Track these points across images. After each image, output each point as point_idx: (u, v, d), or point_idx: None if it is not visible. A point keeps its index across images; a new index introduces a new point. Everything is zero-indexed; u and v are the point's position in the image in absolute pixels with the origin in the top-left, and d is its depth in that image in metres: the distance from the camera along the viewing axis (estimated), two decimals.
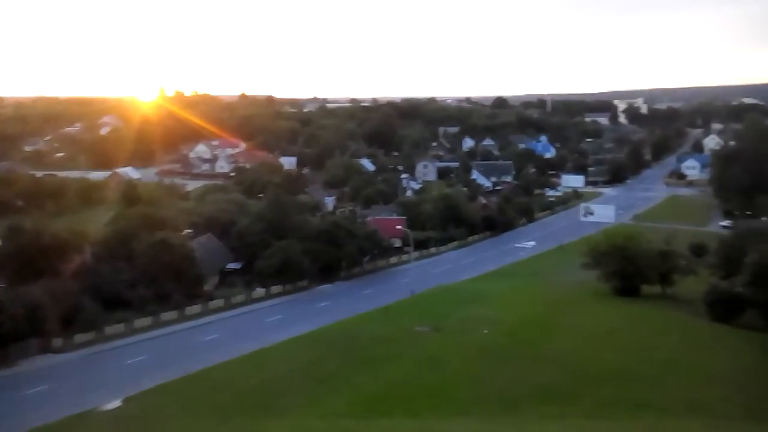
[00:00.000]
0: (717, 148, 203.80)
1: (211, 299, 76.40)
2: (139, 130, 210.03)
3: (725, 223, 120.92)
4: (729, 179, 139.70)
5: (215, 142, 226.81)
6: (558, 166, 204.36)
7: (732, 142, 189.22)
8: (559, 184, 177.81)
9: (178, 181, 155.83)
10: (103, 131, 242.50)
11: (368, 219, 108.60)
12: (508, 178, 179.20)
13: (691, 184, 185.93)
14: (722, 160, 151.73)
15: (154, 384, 50.45)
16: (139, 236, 78.41)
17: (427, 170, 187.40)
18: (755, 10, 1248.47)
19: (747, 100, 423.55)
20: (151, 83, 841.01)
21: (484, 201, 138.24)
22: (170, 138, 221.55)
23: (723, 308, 63.54)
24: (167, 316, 70.39)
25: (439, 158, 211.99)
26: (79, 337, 62.67)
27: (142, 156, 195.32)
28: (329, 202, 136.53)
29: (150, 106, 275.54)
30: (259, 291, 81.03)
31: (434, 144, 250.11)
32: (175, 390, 49.57)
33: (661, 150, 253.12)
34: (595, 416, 40.98)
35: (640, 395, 43.63)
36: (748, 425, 39.23)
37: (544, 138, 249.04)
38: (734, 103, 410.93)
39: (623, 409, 41.61)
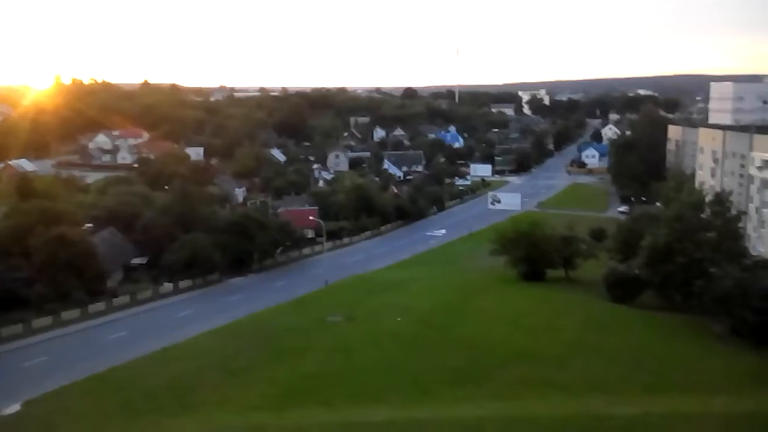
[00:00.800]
0: (614, 137, 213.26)
1: (116, 296, 73.83)
2: (33, 120, 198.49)
3: (623, 208, 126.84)
4: (625, 167, 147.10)
5: (116, 132, 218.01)
6: (466, 155, 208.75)
7: (628, 132, 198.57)
8: (467, 174, 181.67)
9: (76, 173, 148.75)
10: None
11: (280, 210, 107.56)
12: (419, 168, 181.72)
13: (590, 172, 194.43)
14: (619, 149, 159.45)
15: (57, 386, 48.48)
16: (36, 231, 74.40)
17: (338, 160, 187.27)
18: (648, 5, 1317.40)
19: (642, 92, 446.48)
20: (45, 71, 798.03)
21: (395, 190, 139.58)
22: (67, 128, 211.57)
23: (621, 289, 66.85)
24: (69, 314, 67.46)
25: (351, 148, 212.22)
26: None
27: (36, 147, 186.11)
28: (239, 193, 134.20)
29: (44, 94, 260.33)
30: (167, 286, 78.77)
31: (345, 134, 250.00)
32: (80, 391, 47.75)
33: (562, 139, 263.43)
34: (504, 397, 42.36)
35: (546, 375, 45.33)
36: (646, 400, 41.48)
37: (452, 128, 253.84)
38: (630, 94, 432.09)
39: (530, 389, 43.16)
